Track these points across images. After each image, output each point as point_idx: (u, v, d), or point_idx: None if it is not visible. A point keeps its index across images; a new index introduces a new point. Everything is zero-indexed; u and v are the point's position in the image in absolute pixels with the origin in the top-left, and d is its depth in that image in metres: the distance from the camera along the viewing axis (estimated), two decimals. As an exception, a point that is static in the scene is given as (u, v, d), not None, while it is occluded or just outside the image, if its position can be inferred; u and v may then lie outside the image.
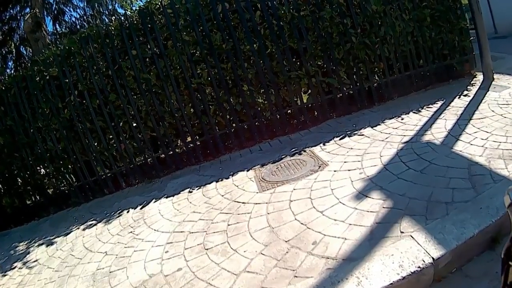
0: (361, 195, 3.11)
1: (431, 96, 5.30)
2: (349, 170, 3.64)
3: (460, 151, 3.39)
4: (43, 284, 3.49)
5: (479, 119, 4.00)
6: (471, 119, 4.05)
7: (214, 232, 3.23)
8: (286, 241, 2.77)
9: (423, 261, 2.18)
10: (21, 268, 4.07)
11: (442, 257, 2.19)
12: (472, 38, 5.83)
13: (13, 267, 4.17)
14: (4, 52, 14.42)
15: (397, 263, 2.21)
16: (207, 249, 3.02)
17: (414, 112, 4.77)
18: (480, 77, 5.54)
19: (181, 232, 3.48)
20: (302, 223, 2.94)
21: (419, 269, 2.15)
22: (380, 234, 2.52)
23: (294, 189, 3.56)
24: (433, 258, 2.18)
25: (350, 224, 2.74)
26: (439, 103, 4.85)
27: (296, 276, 2.38)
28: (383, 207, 2.83)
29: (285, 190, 3.58)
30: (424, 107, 4.85)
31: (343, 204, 3.05)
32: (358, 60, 5.54)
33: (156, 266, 3.05)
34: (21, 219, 5.96)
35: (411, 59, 5.73)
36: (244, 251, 2.82)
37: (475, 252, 2.30)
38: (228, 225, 3.29)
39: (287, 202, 3.32)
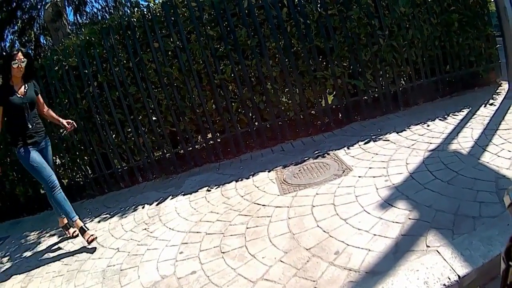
0: (387, 204, 2.98)
1: (456, 103, 5.14)
2: (374, 177, 3.50)
3: (488, 162, 3.24)
4: (51, 277, 3.41)
5: (506, 129, 3.85)
6: (497, 129, 3.90)
7: (231, 235, 3.11)
8: (307, 249, 2.64)
9: (449, 278, 2.06)
10: (31, 258, 4.00)
11: (468, 275, 2.06)
12: (498, 46, 5.66)
13: (22, 256, 4.12)
14: (23, 40, 14.49)
15: (422, 279, 2.08)
16: (223, 252, 2.91)
17: (440, 119, 4.61)
18: (505, 86, 5.36)
19: (197, 232, 3.37)
20: (324, 231, 2.81)
21: (444, 286, 2.03)
22: (406, 247, 2.39)
23: (317, 194, 3.42)
24: (458, 276, 2.05)
25: (375, 235, 2.60)
26: (465, 111, 4.70)
27: (316, 288, 2.24)
28: (409, 218, 2.70)
29: (308, 194, 3.45)
30: (450, 115, 4.69)
31: (368, 212, 2.92)
32: (385, 63, 5.38)
33: (169, 267, 2.94)
34: (34, 208, 5.92)
35: (438, 64, 5.56)
36: (263, 257, 2.70)
37: (499, 270, 2.16)
38: (247, 228, 3.17)
39: (309, 207, 3.19)
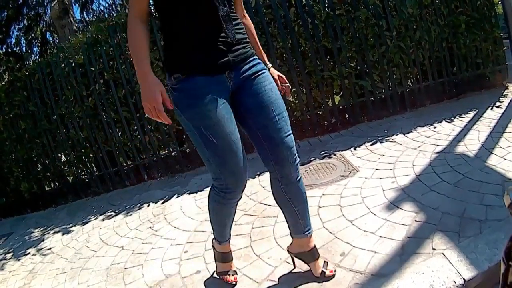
0: (393, 205, 2.95)
1: (463, 105, 5.09)
2: (380, 178, 3.47)
3: (494, 165, 3.21)
4: (55, 275, 3.39)
5: (512, 132, 3.83)
6: (504, 132, 3.86)
7: (237, 235, 3.08)
8: (313, 250, 2.62)
9: (454, 282, 2.03)
10: (34, 255, 4.00)
11: (473, 278, 2.05)
12: (505, 48, 5.64)
13: (26, 253, 4.11)
14: (30, 37, 14.55)
15: (427, 282, 2.06)
16: (228, 252, 2.89)
17: (446, 121, 4.58)
18: (512, 88, 5.34)
19: (203, 231, 3.34)
20: (330, 232, 2.78)
21: (449, 290, 2.00)
22: (412, 249, 2.37)
23: (323, 195, 3.39)
24: (464, 280, 2.03)
25: (381, 237, 2.58)
26: (472, 113, 4.65)
27: (323, 289, 2.22)
28: (415, 221, 2.67)
29: (314, 195, 3.41)
30: (457, 117, 4.65)
31: (374, 214, 2.89)
32: (392, 64, 5.34)
33: (174, 266, 2.92)
34: (39, 204, 5.93)
35: (445, 66, 5.52)
36: (268, 258, 2.68)
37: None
38: (252, 228, 3.15)
39: (316, 208, 3.16)
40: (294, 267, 2.47)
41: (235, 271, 2.54)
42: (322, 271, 2.30)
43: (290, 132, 2.10)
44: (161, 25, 1.97)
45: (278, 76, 2.28)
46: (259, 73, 2.05)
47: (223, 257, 2.51)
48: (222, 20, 1.85)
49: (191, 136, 2.01)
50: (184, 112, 1.93)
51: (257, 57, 2.09)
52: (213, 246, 2.54)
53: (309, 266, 2.35)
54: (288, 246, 2.43)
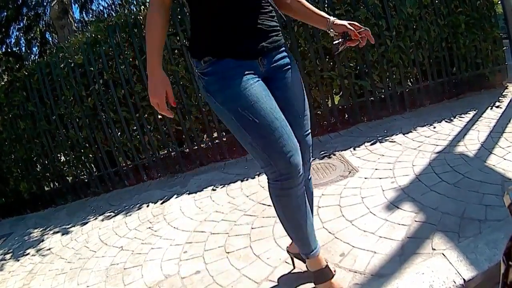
0: (393, 206, 2.94)
1: (463, 105, 5.10)
2: (380, 178, 3.47)
3: (494, 165, 3.21)
4: (54, 275, 3.39)
5: (512, 132, 3.84)
6: (504, 132, 3.87)
7: (236, 235, 3.09)
8: (312, 251, 2.62)
9: (454, 282, 2.03)
10: (34, 255, 3.99)
11: (473, 279, 2.04)
12: (505, 48, 5.65)
13: (25, 253, 4.09)
14: (29, 37, 14.57)
15: (427, 282, 2.05)
16: (228, 252, 2.88)
17: (446, 121, 4.58)
18: (511, 88, 5.36)
19: (202, 232, 3.34)
20: (330, 232, 2.78)
21: (449, 290, 2.00)
22: (411, 249, 2.37)
23: (322, 195, 3.39)
24: (464, 280, 2.03)
25: (380, 237, 2.57)
26: (472, 113, 4.66)
27: (322, 290, 2.21)
28: (415, 221, 2.67)
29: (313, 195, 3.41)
30: (457, 117, 4.66)
31: (374, 214, 2.89)
32: (392, 64, 5.34)
33: (173, 266, 2.91)
34: (38, 205, 5.93)
35: (445, 66, 5.53)
36: (268, 258, 2.67)
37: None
38: (252, 228, 3.14)
39: (315, 208, 3.13)
40: (294, 267, 2.45)
41: None
42: None
43: (310, 131, 2.06)
44: (191, 9, 1.85)
45: (349, 23, 1.96)
46: (287, 66, 1.96)
47: (319, 275, 2.10)
48: (256, 5, 1.80)
49: (228, 123, 1.85)
50: (216, 96, 1.80)
51: (285, 48, 1.99)
52: (306, 268, 2.19)
53: (307, 267, 2.26)
54: (288, 246, 2.40)
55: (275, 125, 1.76)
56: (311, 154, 2.10)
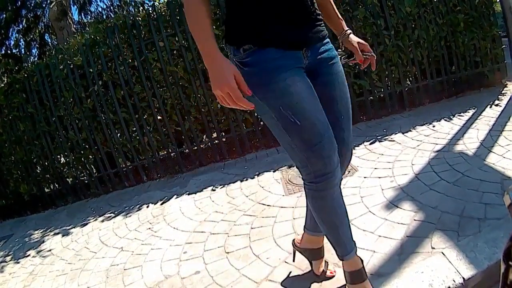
0: (392, 205, 2.94)
1: (462, 104, 5.10)
2: (379, 178, 3.47)
3: (493, 164, 3.21)
4: (55, 276, 3.39)
5: (511, 131, 3.83)
6: (503, 131, 3.87)
7: (236, 235, 3.09)
8: (312, 250, 2.62)
9: (454, 281, 2.02)
10: (34, 257, 3.99)
11: (473, 277, 2.03)
12: (504, 46, 5.65)
13: (26, 255, 4.09)
14: (28, 39, 14.56)
15: (427, 281, 2.05)
16: (227, 252, 2.88)
17: (445, 120, 4.58)
18: (510, 87, 5.35)
19: (202, 232, 3.34)
20: (330, 232, 2.79)
21: (448, 289, 2.00)
22: (411, 248, 2.36)
23: (322, 194, 3.39)
24: (463, 278, 2.02)
25: (380, 236, 2.57)
26: (471, 112, 4.67)
27: (322, 289, 2.22)
28: (414, 220, 2.66)
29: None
30: (456, 115, 4.66)
31: (373, 213, 2.88)
32: (391, 63, 5.35)
33: (173, 267, 2.92)
34: (38, 206, 5.93)
35: (444, 65, 5.53)
36: (267, 258, 2.67)
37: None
38: (251, 228, 3.14)
39: (314, 208, 3.16)
40: (294, 261, 2.43)
41: None
42: (323, 270, 2.22)
43: (351, 131, 1.95)
44: None
45: (359, 43, 1.92)
46: (333, 60, 1.81)
47: (354, 276, 2.00)
48: None
49: (266, 120, 1.74)
50: (256, 90, 1.60)
51: (329, 41, 1.84)
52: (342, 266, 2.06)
53: (311, 264, 2.26)
54: (295, 239, 2.32)
55: (317, 128, 1.66)
56: (351, 156, 2.03)
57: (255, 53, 1.61)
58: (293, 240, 2.34)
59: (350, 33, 1.93)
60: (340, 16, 1.97)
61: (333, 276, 2.25)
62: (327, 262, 2.30)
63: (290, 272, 2.45)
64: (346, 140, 1.89)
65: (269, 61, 1.61)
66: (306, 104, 1.64)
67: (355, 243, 2.00)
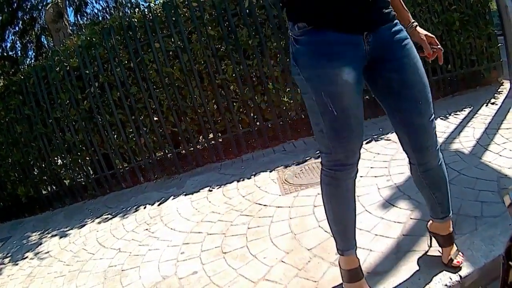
0: (388, 203, 2.95)
1: (458, 102, 5.12)
2: (375, 177, 3.48)
3: (489, 162, 3.22)
4: (53, 278, 3.40)
5: (507, 129, 3.83)
6: (499, 129, 3.88)
7: (233, 235, 3.10)
8: (308, 249, 2.62)
9: (450, 278, 2.03)
10: (32, 259, 4.00)
11: (469, 275, 2.05)
12: (500, 44, 5.63)
13: (24, 257, 4.10)
14: (25, 41, 14.54)
15: (423, 279, 2.06)
16: (225, 252, 2.89)
17: (441, 119, 4.59)
18: (507, 85, 5.34)
19: (199, 233, 3.35)
20: (326, 231, 2.76)
21: (445, 287, 2.01)
22: (407, 247, 2.38)
23: (318, 194, 3.37)
24: (460, 276, 2.03)
25: (376, 235, 2.58)
26: (467, 110, 4.68)
27: (318, 288, 2.23)
28: (411, 218, 2.68)
29: (309, 194, 3.42)
30: (452, 114, 4.68)
31: (369, 212, 2.90)
32: (387, 62, 5.35)
33: (170, 267, 2.93)
34: (36, 208, 5.93)
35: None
36: (264, 258, 2.68)
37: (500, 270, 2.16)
38: (248, 228, 3.15)
39: (311, 207, 3.17)
40: (431, 246, 2.27)
41: None
42: (451, 258, 2.08)
43: (433, 115, 1.79)
44: None
45: (426, 36, 1.84)
46: (404, 42, 1.69)
47: (350, 275, 2.03)
48: None
49: (306, 100, 1.71)
50: (304, 70, 1.59)
51: (399, 22, 1.72)
52: (339, 264, 2.09)
53: (440, 250, 2.15)
54: (428, 223, 2.22)
55: (350, 122, 1.66)
56: (436, 142, 1.89)
57: (309, 32, 1.55)
58: (427, 223, 2.24)
59: (417, 25, 1.86)
60: (406, 8, 1.86)
61: (459, 268, 2.08)
62: (458, 251, 2.14)
63: (287, 272, 2.46)
64: (427, 126, 1.78)
65: (322, 44, 1.55)
66: (348, 97, 1.61)
67: (356, 242, 2.02)
